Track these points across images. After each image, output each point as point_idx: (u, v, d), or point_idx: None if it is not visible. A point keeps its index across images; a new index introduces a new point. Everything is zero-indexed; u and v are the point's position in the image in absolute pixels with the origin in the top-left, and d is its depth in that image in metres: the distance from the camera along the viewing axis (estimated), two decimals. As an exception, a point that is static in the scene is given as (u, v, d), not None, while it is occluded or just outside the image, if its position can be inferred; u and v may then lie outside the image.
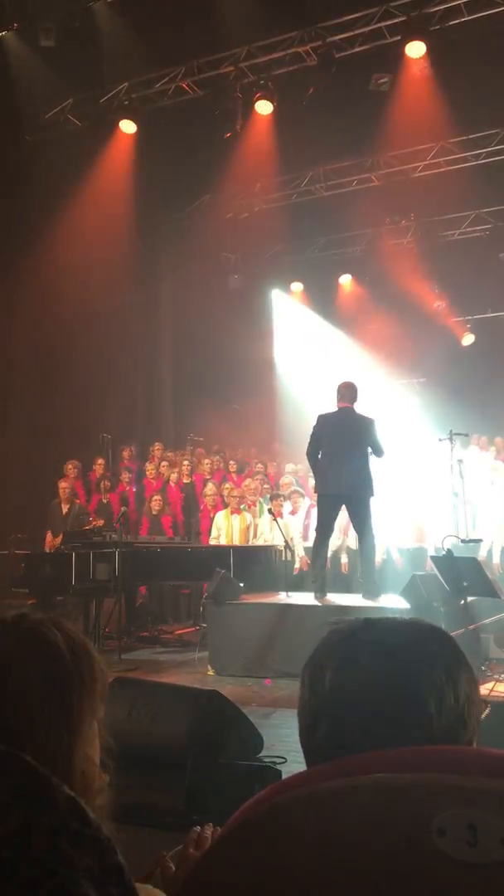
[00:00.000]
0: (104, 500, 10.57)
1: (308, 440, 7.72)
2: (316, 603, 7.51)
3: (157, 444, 12.03)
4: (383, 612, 6.64)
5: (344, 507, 7.76)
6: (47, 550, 9.54)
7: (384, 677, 0.96)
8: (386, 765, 0.79)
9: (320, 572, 7.78)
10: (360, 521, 7.68)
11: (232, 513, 9.95)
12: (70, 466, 10.61)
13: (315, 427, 7.67)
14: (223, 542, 9.68)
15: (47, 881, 0.69)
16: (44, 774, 0.77)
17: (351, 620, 1.05)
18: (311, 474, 10.88)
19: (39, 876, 0.69)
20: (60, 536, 9.46)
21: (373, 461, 7.58)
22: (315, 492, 8.26)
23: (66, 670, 1.00)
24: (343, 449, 7.46)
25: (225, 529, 9.83)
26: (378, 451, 7.52)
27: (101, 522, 9.84)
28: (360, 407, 7.77)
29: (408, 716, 0.94)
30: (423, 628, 1.02)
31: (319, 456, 7.64)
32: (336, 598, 7.64)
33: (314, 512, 9.84)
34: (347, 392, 7.70)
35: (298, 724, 1.02)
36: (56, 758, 0.95)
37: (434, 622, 1.05)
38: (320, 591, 7.60)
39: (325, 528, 7.80)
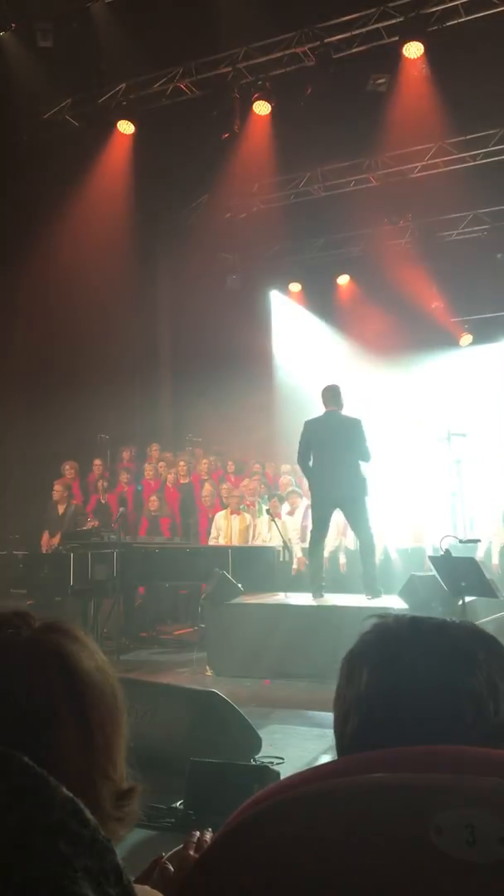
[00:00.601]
0: (102, 501, 10.57)
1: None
2: (314, 603, 7.51)
3: (154, 444, 12.03)
4: (383, 612, 6.62)
5: (339, 510, 7.80)
6: (43, 551, 9.54)
7: (422, 679, 0.94)
8: (385, 764, 0.79)
9: (318, 573, 7.79)
10: (357, 523, 7.71)
11: (231, 513, 9.95)
12: (68, 467, 10.62)
13: (303, 433, 7.72)
14: (222, 542, 9.68)
15: (46, 881, 0.69)
16: (43, 775, 0.77)
17: (398, 616, 1.03)
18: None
19: (38, 876, 0.69)
20: (57, 537, 9.47)
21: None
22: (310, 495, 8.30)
23: (94, 705, 0.99)
24: (333, 453, 7.50)
25: (224, 530, 9.83)
26: (364, 456, 7.52)
27: (97, 523, 9.85)
28: (351, 408, 7.80)
29: (441, 721, 0.92)
30: (472, 634, 1.00)
31: (311, 462, 7.67)
32: (334, 599, 7.65)
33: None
34: (330, 395, 7.73)
35: (334, 714, 1.01)
36: (84, 777, 0.94)
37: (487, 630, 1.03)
38: (318, 592, 7.60)
39: (319, 531, 7.85)
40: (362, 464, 7.57)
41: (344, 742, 0.97)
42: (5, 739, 0.88)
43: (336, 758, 0.93)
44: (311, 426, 7.70)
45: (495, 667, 0.97)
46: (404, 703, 0.93)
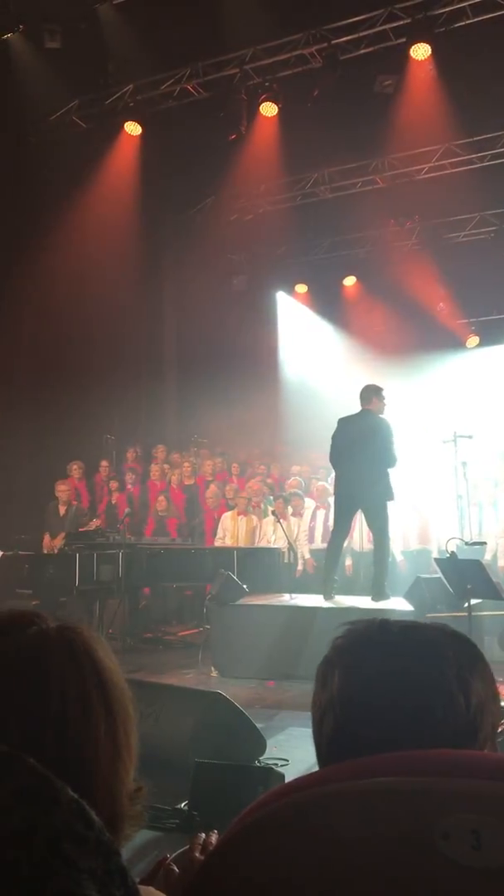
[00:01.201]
0: (112, 502, 10.59)
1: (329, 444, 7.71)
2: (319, 604, 7.50)
3: (159, 445, 12.04)
4: (387, 615, 6.63)
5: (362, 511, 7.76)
6: (45, 552, 9.56)
7: (391, 677, 0.96)
8: (391, 768, 0.79)
9: (331, 574, 7.76)
10: (376, 527, 7.65)
11: (238, 514, 9.95)
12: (75, 467, 10.63)
13: (334, 432, 7.64)
14: (229, 543, 9.68)
15: (50, 883, 0.69)
16: (47, 776, 0.77)
17: (368, 621, 1.04)
18: (316, 476, 10.90)
19: (42, 877, 0.69)
20: (59, 538, 9.48)
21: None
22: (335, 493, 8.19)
23: (119, 710, 1.00)
24: (359, 454, 7.38)
25: (231, 531, 9.83)
26: (389, 460, 7.41)
27: (98, 522, 9.85)
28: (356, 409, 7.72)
29: (411, 717, 0.93)
30: (441, 632, 1.01)
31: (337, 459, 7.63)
32: (340, 600, 7.63)
33: (319, 514, 9.84)
34: (365, 394, 7.64)
35: (312, 720, 1.03)
36: (96, 776, 0.94)
37: (457, 628, 1.04)
38: (329, 593, 7.59)
39: (338, 530, 7.77)
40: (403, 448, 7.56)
41: (322, 745, 0.99)
42: (43, 735, 0.89)
43: (317, 763, 0.95)
44: (342, 424, 7.61)
45: (465, 662, 0.98)
46: (375, 701, 0.95)
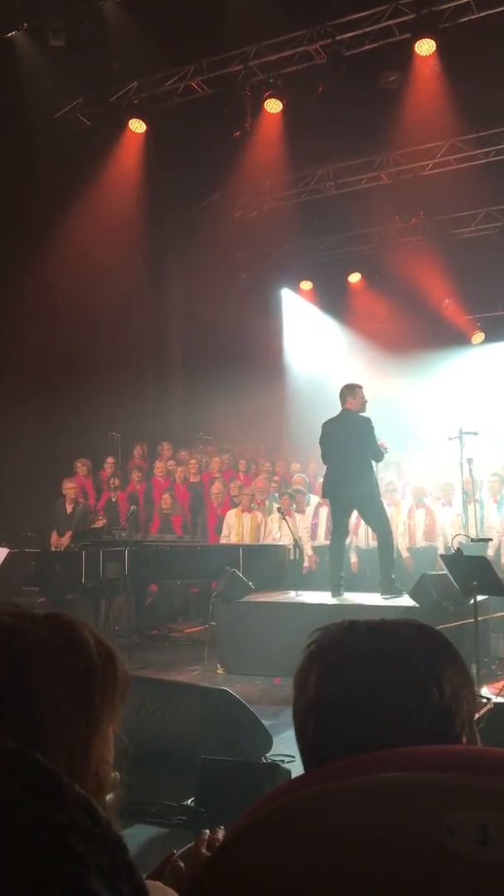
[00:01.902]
0: (113, 499, 10.60)
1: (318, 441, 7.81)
2: (325, 601, 7.51)
3: (165, 443, 12.05)
4: (393, 612, 6.63)
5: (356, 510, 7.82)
6: (53, 549, 9.58)
7: (364, 674, 0.97)
8: (396, 764, 0.79)
9: (337, 572, 7.78)
10: (374, 522, 7.71)
11: (243, 511, 9.96)
12: (80, 464, 10.64)
13: (321, 435, 7.74)
14: (234, 540, 9.69)
15: (58, 878, 0.69)
16: (55, 773, 0.77)
17: (337, 624, 1.06)
18: (320, 473, 10.91)
19: (50, 873, 0.69)
20: (67, 536, 9.49)
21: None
22: (323, 497, 8.34)
23: (92, 668, 1.01)
24: (344, 453, 7.54)
25: (236, 528, 9.84)
26: (375, 456, 7.58)
27: (103, 521, 9.87)
28: (365, 406, 7.77)
29: (387, 713, 0.94)
30: (407, 626, 1.03)
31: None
32: (346, 597, 7.63)
33: (322, 511, 9.85)
34: (342, 395, 7.76)
35: (294, 726, 1.04)
36: (73, 755, 0.95)
37: (422, 621, 1.06)
38: (337, 591, 7.61)
39: (337, 530, 7.84)
40: (409, 445, 7.67)
41: (306, 751, 1.00)
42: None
43: (303, 769, 0.96)
44: (326, 427, 7.75)
45: (436, 654, 1.00)
46: (352, 702, 0.96)
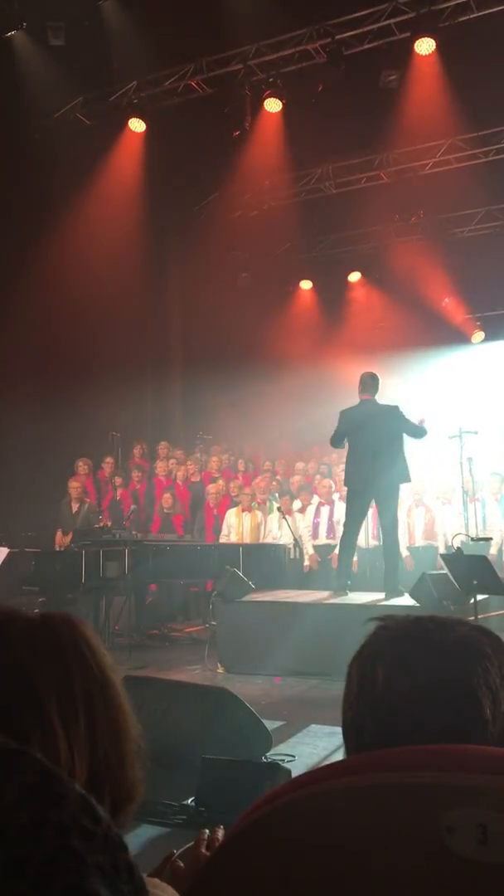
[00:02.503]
0: (116, 498, 10.60)
1: (331, 435, 7.67)
2: (325, 601, 7.50)
3: (162, 443, 12.04)
4: (393, 611, 6.63)
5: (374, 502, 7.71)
6: (57, 549, 9.58)
7: (439, 678, 0.94)
8: (396, 763, 0.79)
9: (346, 569, 7.74)
10: (389, 516, 7.59)
11: (243, 511, 9.96)
12: (81, 464, 10.65)
13: (339, 422, 7.58)
14: (234, 540, 9.69)
15: (58, 878, 0.69)
16: (54, 772, 0.77)
17: (400, 617, 1.04)
18: (320, 472, 10.89)
19: (50, 873, 0.69)
20: (70, 535, 9.50)
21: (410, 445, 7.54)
22: (344, 485, 8.14)
23: (73, 670, 1.00)
24: (371, 442, 7.33)
25: (236, 527, 9.84)
26: (416, 434, 7.41)
27: (108, 521, 9.87)
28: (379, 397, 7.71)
29: (464, 718, 0.92)
30: (476, 629, 1.01)
31: (346, 450, 7.58)
32: (350, 596, 7.62)
33: (324, 510, 9.84)
34: (370, 382, 7.61)
35: (343, 719, 1.01)
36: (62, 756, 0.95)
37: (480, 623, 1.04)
38: (342, 589, 7.58)
39: (353, 524, 7.72)
40: (411, 444, 7.54)
41: (362, 746, 0.96)
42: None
43: (323, 759, 0.94)
44: (348, 415, 7.55)
45: (502, 657, 0.98)
46: (424, 702, 0.93)
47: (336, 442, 7.63)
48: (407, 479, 7.50)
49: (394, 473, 7.36)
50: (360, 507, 7.66)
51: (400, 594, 7.31)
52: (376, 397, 7.60)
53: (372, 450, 7.33)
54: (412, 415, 7.56)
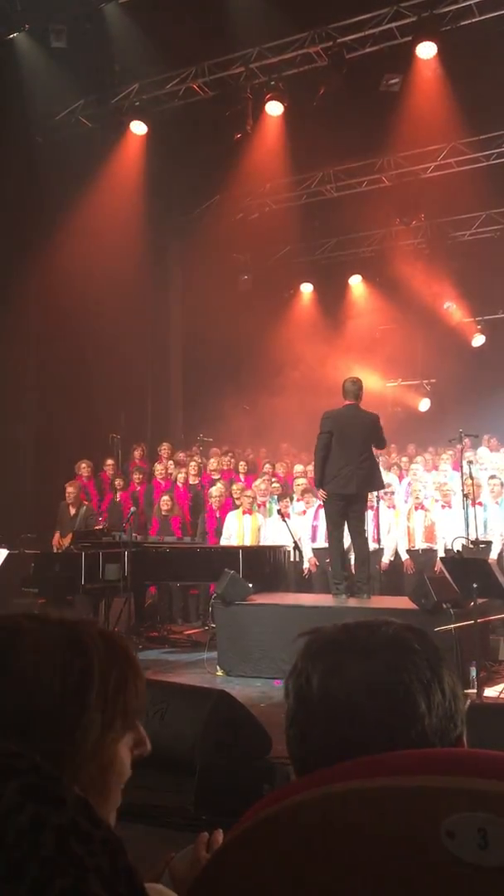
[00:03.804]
0: (116, 500, 10.60)
1: (316, 440, 7.73)
2: (325, 603, 7.50)
3: (164, 444, 12.04)
4: (392, 615, 6.63)
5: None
6: (55, 551, 9.57)
7: (372, 680, 0.96)
8: (395, 768, 0.79)
9: (338, 572, 7.75)
10: (359, 519, 7.69)
11: (244, 513, 9.94)
12: (84, 465, 10.64)
13: (323, 425, 7.65)
14: (235, 542, 9.67)
15: (57, 881, 0.69)
16: (53, 774, 0.77)
17: (328, 627, 1.05)
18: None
19: (49, 876, 0.69)
20: (69, 537, 9.48)
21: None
22: (318, 488, 8.21)
23: (91, 670, 0.99)
24: (353, 448, 7.48)
25: (237, 530, 9.82)
26: (381, 444, 7.77)
27: (105, 523, 9.86)
28: (366, 405, 7.80)
29: (401, 716, 0.94)
30: (400, 628, 1.02)
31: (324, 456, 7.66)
32: (348, 599, 7.62)
33: (322, 513, 9.83)
34: (353, 388, 7.68)
35: (286, 735, 1.01)
36: (74, 761, 0.93)
37: (421, 624, 1.06)
38: (337, 591, 7.60)
39: (337, 527, 7.77)
40: (375, 451, 7.70)
41: (306, 758, 0.97)
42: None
43: (294, 777, 0.94)
44: (332, 418, 7.65)
45: (433, 654, 1.00)
46: (360, 705, 0.94)
47: (322, 450, 7.65)
48: (381, 486, 7.80)
49: (371, 482, 7.59)
50: (340, 510, 7.72)
51: (369, 594, 7.48)
52: (359, 404, 7.70)
53: (352, 455, 7.48)
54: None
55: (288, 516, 9.40)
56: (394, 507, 9.74)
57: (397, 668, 0.96)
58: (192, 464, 11.44)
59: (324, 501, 7.92)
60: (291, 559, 9.21)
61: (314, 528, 9.89)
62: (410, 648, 0.99)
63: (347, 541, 7.96)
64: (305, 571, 9.66)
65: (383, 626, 1.03)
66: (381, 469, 8.25)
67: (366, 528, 7.86)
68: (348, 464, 7.46)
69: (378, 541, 9.43)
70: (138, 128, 11.14)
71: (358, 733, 0.93)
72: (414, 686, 0.95)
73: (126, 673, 1.00)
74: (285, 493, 10.51)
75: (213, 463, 11.64)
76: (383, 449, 7.86)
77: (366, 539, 7.82)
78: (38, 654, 0.93)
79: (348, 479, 7.47)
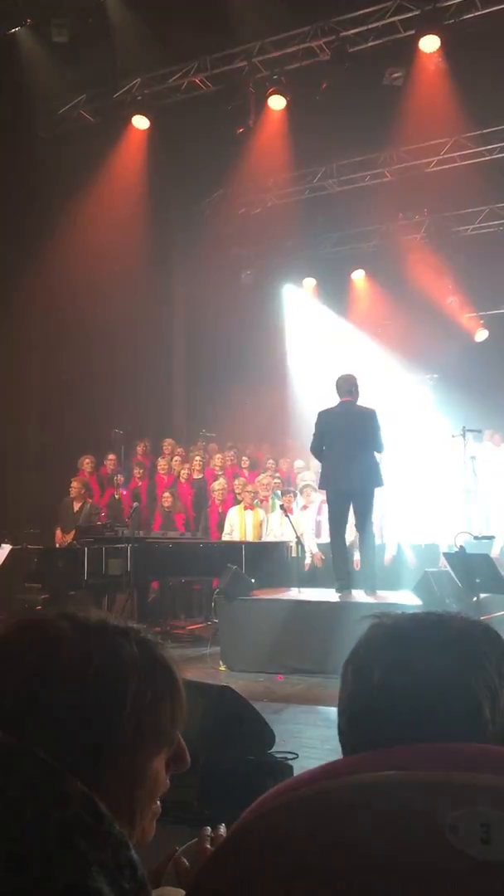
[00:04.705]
0: (116, 496, 10.60)
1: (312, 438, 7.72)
2: (327, 598, 7.50)
3: (167, 439, 12.04)
4: (395, 608, 6.63)
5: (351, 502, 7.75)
6: (57, 546, 9.59)
7: (437, 676, 0.93)
8: (399, 762, 0.79)
9: (340, 568, 7.75)
10: (363, 516, 7.65)
11: (245, 509, 9.95)
12: (86, 461, 10.65)
13: (318, 423, 7.63)
14: (237, 538, 9.68)
15: (61, 875, 0.69)
16: (57, 769, 0.77)
17: (396, 615, 1.02)
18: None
19: (53, 870, 0.69)
20: (71, 533, 9.50)
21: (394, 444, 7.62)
22: (320, 489, 8.22)
23: (175, 690, 0.98)
24: (349, 444, 7.42)
25: (238, 525, 9.83)
26: (378, 447, 7.48)
27: (105, 518, 9.87)
28: (366, 400, 7.73)
29: (463, 720, 0.91)
30: (472, 624, 0.99)
31: (324, 451, 7.63)
32: (351, 594, 7.62)
33: (325, 508, 9.83)
34: (346, 385, 7.64)
35: (339, 720, 0.99)
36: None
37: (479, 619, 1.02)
38: (340, 587, 7.59)
39: (339, 524, 7.77)
40: (376, 454, 7.57)
41: (358, 747, 0.94)
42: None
43: (325, 757, 0.92)
44: (326, 416, 7.62)
45: (500, 655, 0.96)
46: (422, 702, 0.92)
47: (317, 448, 7.64)
48: (381, 483, 7.54)
49: (368, 477, 7.44)
50: (342, 507, 7.69)
51: (376, 590, 7.40)
52: (356, 400, 7.64)
53: (349, 453, 7.40)
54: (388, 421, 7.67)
55: (291, 512, 9.41)
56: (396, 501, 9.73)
57: (465, 669, 0.93)
58: (196, 459, 11.45)
59: (327, 499, 7.91)
60: (294, 554, 9.22)
61: (317, 524, 9.90)
62: (480, 651, 0.95)
63: (350, 538, 7.94)
64: (307, 566, 9.65)
65: (451, 619, 1.00)
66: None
67: (373, 522, 7.74)
68: (343, 461, 7.42)
69: (380, 535, 9.42)
70: (140, 122, 11.12)
71: (414, 732, 0.89)
72: (481, 691, 0.92)
73: (163, 692, 0.97)
74: (287, 489, 10.52)
75: (216, 459, 11.65)
76: (381, 452, 7.55)
77: (372, 536, 7.73)
78: (72, 669, 0.89)
79: (344, 476, 7.43)
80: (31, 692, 0.86)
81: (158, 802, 0.99)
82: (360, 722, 0.96)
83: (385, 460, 7.86)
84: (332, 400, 7.83)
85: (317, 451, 7.71)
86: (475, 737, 0.90)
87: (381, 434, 7.50)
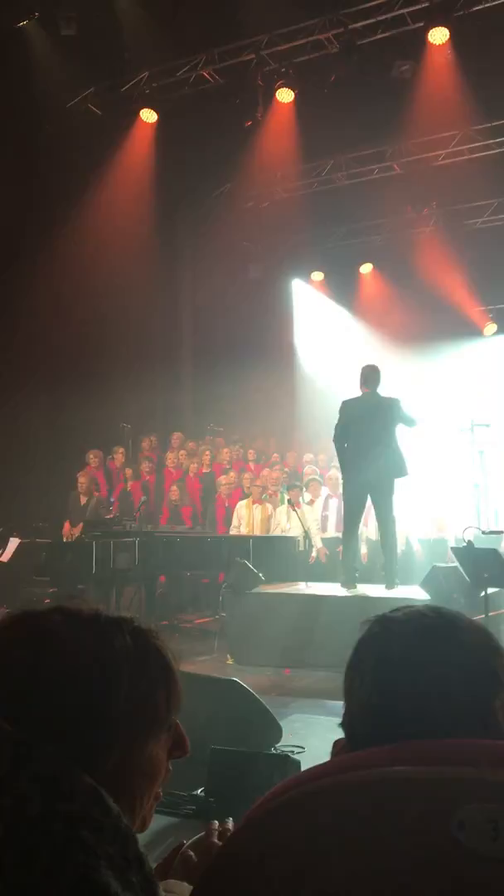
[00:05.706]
0: (127, 490, 10.62)
1: (333, 428, 7.65)
2: (334, 593, 7.50)
3: (176, 433, 12.05)
4: (405, 603, 6.62)
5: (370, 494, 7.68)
6: (65, 540, 9.62)
7: (443, 671, 0.93)
8: (408, 758, 0.79)
9: (351, 562, 7.73)
10: (385, 509, 7.58)
11: (253, 503, 9.95)
12: (92, 455, 10.68)
13: (340, 414, 7.58)
14: (244, 532, 9.69)
15: (69, 868, 0.70)
16: (65, 763, 0.77)
17: (400, 615, 1.02)
18: (333, 464, 10.86)
19: (61, 864, 0.70)
20: (79, 527, 9.53)
21: (405, 437, 7.51)
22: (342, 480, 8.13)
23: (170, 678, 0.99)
24: (371, 435, 7.34)
25: (246, 519, 9.84)
26: (411, 423, 7.43)
27: (116, 512, 9.90)
28: (383, 390, 7.68)
29: (469, 713, 0.91)
30: (482, 639, 0.99)
31: (346, 444, 7.58)
32: (359, 589, 7.61)
33: (332, 502, 9.82)
34: (372, 375, 7.59)
35: (345, 716, 1.00)
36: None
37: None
38: (349, 581, 7.57)
39: (355, 516, 7.70)
40: (408, 434, 7.45)
41: (365, 743, 0.93)
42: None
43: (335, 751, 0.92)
44: (349, 406, 7.55)
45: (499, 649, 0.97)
46: (429, 698, 0.91)
47: (339, 439, 7.58)
48: (405, 472, 7.43)
49: (392, 468, 7.35)
50: (359, 499, 7.64)
51: (393, 586, 7.32)
52: (378, 390, 7.57)
53: (371, 443, 7.33)
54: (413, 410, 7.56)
55: (299, 506, 9.41)
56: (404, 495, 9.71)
57: (477, 693, 0.92)
58: (205, 452, 11.46)
59: (344, 490, 7.85)
60: (301, 548, 9.23)
61: (324, 518, 9.90)
62: (493, 673, 0.95)
63: (366, 530, 7.89)
64: (312, 559, 9.65)
65: (461, 633, 0.98)
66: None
67: (394, 515, 7.67)
68: (365, 451, 7.34)
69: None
70: (148, 115, 11.10)
71: (421, 729, 0.88)
72: (488, 685, 0.92)
73: (157, 679, 0.98)
74: (294, 483, 10.52)
75: (224, 453, 11.65)
76: (415, 426, 7.48)
77: (394, 531, 7.62)
78: (65, 662, 0.90)
79: (366, 467, 7.37)
80: (25, 686, 0.87)
81: (160, 790, 1.00)
82: (366, 718, 0.96)
83: (410, 447, 7.74)
84: (340, 393, 7.81)
85: (340, 439, 7.62)
86: (484, 733, 0.89)
87: (410, 414, 7.43)
